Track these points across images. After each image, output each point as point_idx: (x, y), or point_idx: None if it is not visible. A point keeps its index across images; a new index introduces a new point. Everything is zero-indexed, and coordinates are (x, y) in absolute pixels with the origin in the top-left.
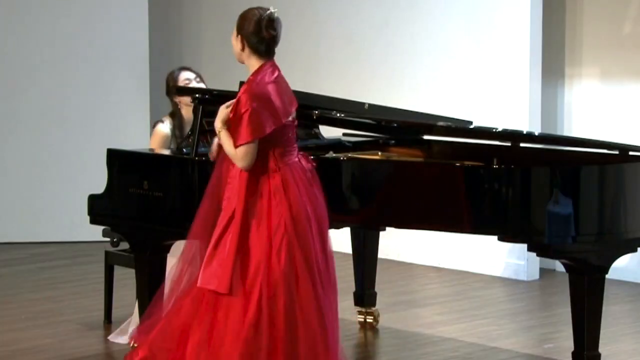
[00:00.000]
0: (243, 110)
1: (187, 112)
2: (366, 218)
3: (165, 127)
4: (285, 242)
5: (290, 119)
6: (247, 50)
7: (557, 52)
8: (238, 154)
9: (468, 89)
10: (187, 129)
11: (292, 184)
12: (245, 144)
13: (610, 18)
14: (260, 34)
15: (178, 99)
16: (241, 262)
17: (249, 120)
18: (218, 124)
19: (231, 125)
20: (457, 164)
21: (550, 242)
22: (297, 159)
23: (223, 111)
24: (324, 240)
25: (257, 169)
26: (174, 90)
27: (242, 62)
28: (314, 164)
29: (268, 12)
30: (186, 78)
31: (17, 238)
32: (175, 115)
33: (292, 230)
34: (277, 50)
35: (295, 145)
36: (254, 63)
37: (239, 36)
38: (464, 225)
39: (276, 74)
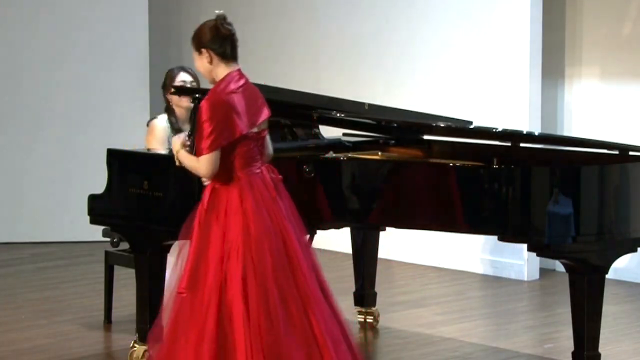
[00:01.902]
0: (203, 120)
1: (178, 110)
2: (366, 218)
3: (161, 122)
4: (239, 253)
5: (255, 130)
6: (215, 60)
7: (557, 52)
8: (200, 164)
9: (468, 89)
10: (180, 126)
11: (249, 197)
12: (206, 154)
13: (610, 18)
14: (220, 35)
15: (169, 97)
16: (198, 270)
17: (208, 131)
18: (176, 146)
19: (195, 135)
20: (457, 164)
21: (550, 242)
22: (259, 171)
23: (180, 137)
24: (295, 250)
25: (217, 179)
26: (170, 88)
27: (214, 80)
28: (280, 177)
29: (216, 15)
30: (182, 80)
31: (17, 238)
32: (170, 110)
33: (245, 242)
34: (276, 50)
35: (259, 157)
36: (221, 72)
37: (202, 51)
38: (464, 225)
39: (242, 82)
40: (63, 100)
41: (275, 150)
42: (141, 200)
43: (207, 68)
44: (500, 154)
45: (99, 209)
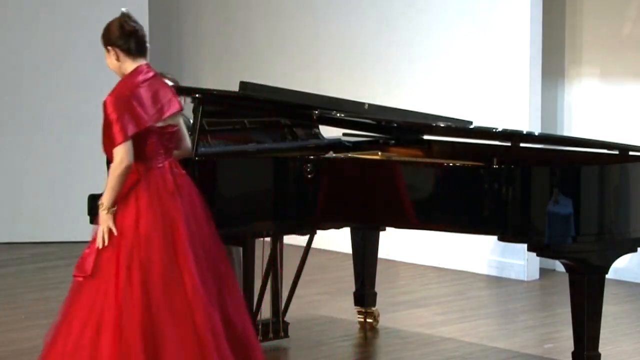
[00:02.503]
0: (109, 113)
1: None
2: (366, 218)
3: None
4: (127, 245)
5: (160, 124)
6: (121, 56)
7: (557, 52)
8: (116, 155)
9: (468, 89)
10: None
11: (144, 192)
12: (120, 143)
13: (610, 18)
14: (124, 31)
15: None
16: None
17: (117, 122)
18: (102, 216)
19: (104, 131)
20: (457, 164)
21: (550, 242)
22: (161, 165)
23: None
24: (184, 246)
25: None
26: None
27: (124, 75)
28: (183, 172)
29: (121, 13)
30: None
31: (17, 238)
32: None
33: (135, 235)
34: (276, 50)
35: (163, 151)
36: (128, 68)
37: (109, 49)
38: (464, 225)
39: (149, 75)
40: (63, 100)
41: (276, 150)
42: None
43: (116, 65)
44: (500, 154)
45: (99, 209)
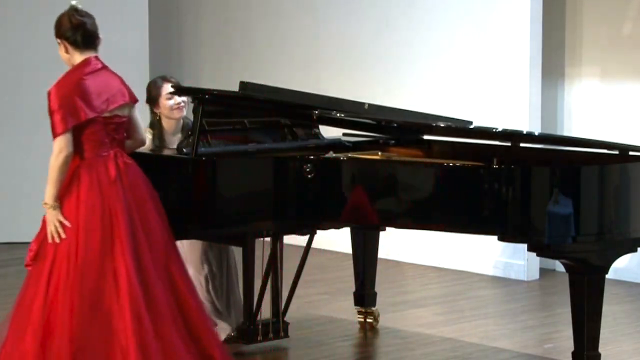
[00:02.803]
0: (51, 104)
1: (167, 123)
2: (366, 218)
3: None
4: (66, 234)
5: (107, 114)
6: (70, 49)
7: (557, 52)
8: (55, 146)
9: (468, 89)
10: (168, 138)
11: (84, 179)
12: (59, 135)
13: (610, 18)
14: (71, 24)
15: (158, 110)
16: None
17: (57, 114)
18: (49, 215)
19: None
20: (457, 164)
21: (550, 242)
22: (106, 154)
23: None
24: (120, 235)
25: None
26: (157, 101)
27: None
28: (130, 162)
29: (69, 6)
30: (170, 92)
31: (17, 238)
32: (155, 125)
33: (74, 223)
34: (277, 50)
35: (108, 141)
36: (77, 60)
37: (59, 42)
38: (464, 225)
39: (97, 67)
40: None
41: (276, 150)
42: None
43: (65, 57)
44: (500, 154)
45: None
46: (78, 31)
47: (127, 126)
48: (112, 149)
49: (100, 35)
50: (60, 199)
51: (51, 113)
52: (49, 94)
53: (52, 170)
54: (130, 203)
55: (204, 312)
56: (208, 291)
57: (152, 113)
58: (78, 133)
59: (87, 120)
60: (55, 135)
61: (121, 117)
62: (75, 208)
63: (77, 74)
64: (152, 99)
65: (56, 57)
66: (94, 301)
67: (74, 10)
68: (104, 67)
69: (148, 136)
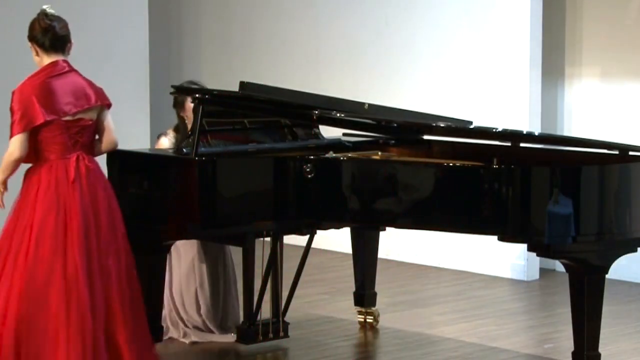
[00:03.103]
0: (12, 105)
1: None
2: (366, 218)
3: (166, 141)
4: (24, 232)
5: (68, 118)
6: (39, 51)
7: (557, 52)
8: (10, 145)
9: (468, 89)
10: None
11: (44, 181)
12: (14, 135)
13: (610, 18)
14: (41, 27)
15: (185, 114)
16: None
17: (15, 115)
18: None
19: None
20: (457, 164)
21: (550, 242)
22: (68, 156)
23: None
24: (72, 235)
25: (28, 160)
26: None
27: None
28: (93, 165)
29: (41, 9)
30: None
31: None
32: (179, 129)
33: (28, 221)
34: (277, 50)
35: (71, 143)
36: (45, 62)
37: (30, 45)
38: (464, 225)
39: (64, 70)
40: None
41: (276, 150)
42: (141, 200)
43: (36, 60)
44: (500, 154)
45: None
46: (47, 35)
47: (97, 129)
48: (75, 152)
49: (72, 40)
50: (20, 197)
51: (11, 113)
52: (13, 94)
53: (4, 163)
54: (86, 205)
55: (128, 322)
56: (199, 313)
57: (179, 117)
58: (38, 135)
59: (45, 123)
60: (10, 135)
61: (86, 120)
62: (32, 208)
63: (42, 76)
64: (179, 103)
65: None
66: (41, 294)
67: (43, 14)
68: (72, 70)
69: (171, 139)
